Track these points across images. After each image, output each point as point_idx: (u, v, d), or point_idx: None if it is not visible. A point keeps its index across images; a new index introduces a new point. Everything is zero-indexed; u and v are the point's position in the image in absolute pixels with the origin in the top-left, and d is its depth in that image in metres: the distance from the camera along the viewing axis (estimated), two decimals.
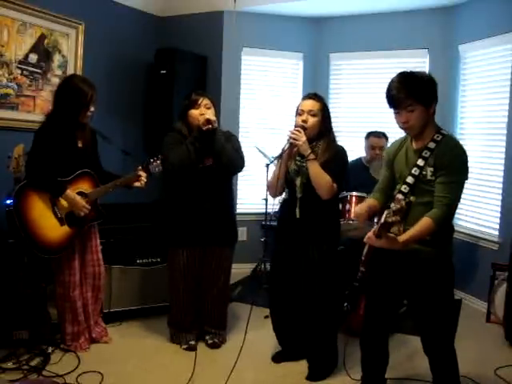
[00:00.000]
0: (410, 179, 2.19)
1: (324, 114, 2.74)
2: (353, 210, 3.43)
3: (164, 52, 4.48)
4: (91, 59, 4.16)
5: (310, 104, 2.73)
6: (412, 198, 2.06)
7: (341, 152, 2.78)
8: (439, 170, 2.13)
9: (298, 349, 2.97)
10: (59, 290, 2.95)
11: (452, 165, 2.12)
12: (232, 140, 3.08)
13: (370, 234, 2.13)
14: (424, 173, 2.17)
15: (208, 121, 2.88)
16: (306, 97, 2.80)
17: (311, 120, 2.70)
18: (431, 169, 2.15)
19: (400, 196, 2.21)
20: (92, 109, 2.88)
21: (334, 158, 2.70)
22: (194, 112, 2.97)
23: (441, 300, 2.24)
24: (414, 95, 2.12)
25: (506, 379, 2.78)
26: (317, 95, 2.80)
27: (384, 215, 1.96)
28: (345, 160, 2.81)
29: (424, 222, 2.09)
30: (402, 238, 2.07)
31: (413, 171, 2.18)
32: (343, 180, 2.75)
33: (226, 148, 2.95)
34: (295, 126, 2.72)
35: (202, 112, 2.95)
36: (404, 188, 2.20)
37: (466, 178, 2.18)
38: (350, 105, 4.90)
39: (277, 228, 3.00)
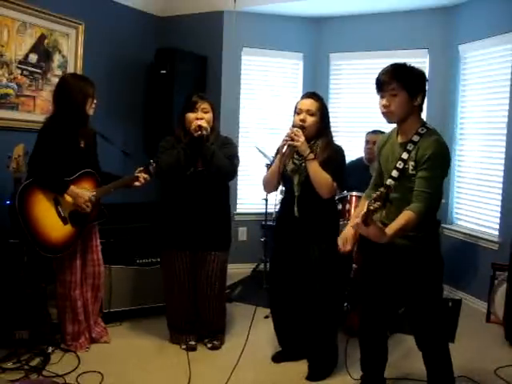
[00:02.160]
0: (394, 173, 2.19)
1: (322, 114, 2.74)
2: (352, 211, 3.43)
3: (164, 52, 4.48)
4: (91, 59, 4.16)
5: (309, 103, 2.72)
6: (390, 182, 2.04)
7: (339, 151, 2.78)
8: (420, 164, 2.13)
9: (298, 349, 2.97)
10: (60, 290, 2.95)
11: (434, 159, 2.11)
12: (227, 147, 3.06)
13: (357, 220, 2.08)
14: (406, 166, 2.17)
15: (199, 127, 2.86)
16: (305, 96, 2.79)
17: (309, 119, 2.70)
18: (413, 163, 2.16)
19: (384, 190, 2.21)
20: (95, 101, 2.90)
21: (334, 156, 2.71)
22: (191, 115, 2.95)
23: (429, 294, 2.25)
24: (398, 78, 2.15)
25: (506, 379, 2.78)
26: (315, 94, 2.80)
27: (366, 203, 1.96)
28: (343, 159, 2.81)
29: (406, 216, 2.07)
30: (388, 231, 2.04)
31: (397, 164, 2.18)
32: (343, 179, 2.75)
33: (216, 156, 2.92)
34: (293, 126, 2.72)
35: (199, 116, 2.93)
36: (389, 182, 2.20)
37: (446, 175, 2.18)
38: (349, 105, 4.90)
39: (275, 227, 3.00)
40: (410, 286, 2.25)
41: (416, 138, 2.17)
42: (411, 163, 2.16)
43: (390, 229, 2.05)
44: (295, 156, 2.73)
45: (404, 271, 2.24)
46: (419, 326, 2.30)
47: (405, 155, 2.17)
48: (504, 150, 3.85)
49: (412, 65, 2.24)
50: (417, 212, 2.07)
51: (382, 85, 2.20)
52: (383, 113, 2.25)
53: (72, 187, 2.83)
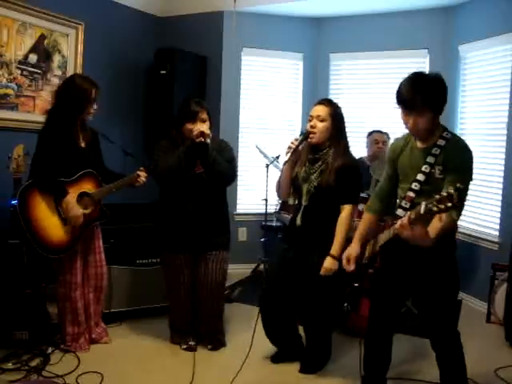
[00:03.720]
0: (420, 176, 2.17)
1: (334, 119, 2.71)
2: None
3: (164, 52, 4.48)
4: (91, 59, 4.16)
5: (319, 109, 2.72)
6: (458, 185, 1.88)
7: (355, 165, 2.75)
8: (450, 170, 2.12)
9: (295, 349, 2.97)
10: (60, 290, 2.95)
11: (464, 165, 2.12)
12: (225, 151, 3.05)
13: (403, 222, 1.99)
14: (433, 171, 2.15)
15: (202, 133, 2.84)
16: (317, 102, 2.79)
17: (319, 125, 2.68)
18: (440, 167, 2.14)
19: (411, 194, 2.20)
20: (95, 106, 2.90)
21: (347, 169, 2.66)
22: (190, 126, 2.91)
23: (446, 296, 2.25)
24: (427, 103, 2.09)
25: (506, 380, 2.78)
26: (327, 100, 2.81)
27: (423, 206, 1.87)
28: (359, 174, 2.77)
29: (447, 221, 2.04)
30: (431, 234, 2.00)
31: (423, 168, 2.16)
32: (358, 194, 2.79)
33: (218, 161, 2.91)
34: (301, 133, 2.74)
35: (198, 127, 2.90)
36: (415, 185, 2.18)
37: (472, 179, 2.18)
38: (350, 105, 4.88)
39: (284, 233, 3.01)
40: (430, 290, 2.25)
41: (441, 142, 2.15)
42: (438, 167, 2.14)
43: (433, 232, 2.01)
44: (306, 164, 2.74)
45: (424, 276, 2.23)
46: (436, 328, 2.29)
47: (431, 159, 2.15)
48: (504, 150, 3.85)
49: (432, 73, 2.17)
50: (455, 215, 2.07)
51: (408, 106, 2.12)
52: (409, 130, 2.22)
53: (69, 198, 2.82)
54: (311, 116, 2.73)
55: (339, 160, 2.66)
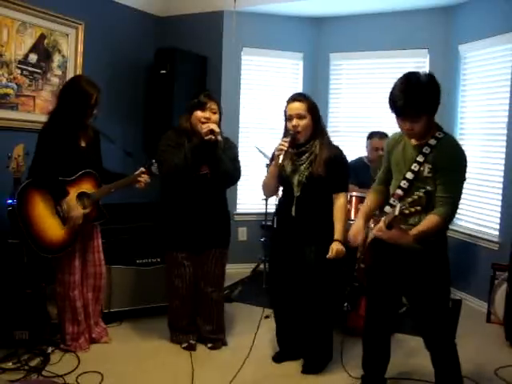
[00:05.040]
0: (409, 175, 2.19)
1: (313, 113, 2.71)
2: (353, 211, 3.45)
3: (164, 52, 4.48)
4: (91, 59, 4.16)
5: (297, 106, 2.70)
6: (429, 188, 1.96)
7: (340, 152, 2.79)
8: (439, 169, 2.12)
9: (297, 348, 2.97)
10: (59, 290, 2.95)
11: (454, 164, 2.13)
12: (230, 149, 3.05)
13: (380, 226, 2.06)
14: (422, 169, 2.16)
15: (211, 131, 2.82)
16: (291, 99, 2.75)
17: (301, 123, 2.67)
18: (429, 166, 2.15)
19: (400, 192, 2.21)
20: (95, 111, 2.90)
21: (335, 157, 2.72)
22: (199, 113, 2.91)
23: (438, 295, 2.26)
24: (421, 109, 2.08)
25: (507, 379, 2.78)
26: (301, 95, 2.80)
27: (398, 207, 1.93)
28: (346, 160, 2.86)
29: (432, 219, 2.07)
30: (412, 232, 2.05)
31: (412, 167, 2.18)
32: (348, 181, 2.85)
33: (223, 160, 2.91)
34: (285, 133, 2.72)
35: (207, 115, 2.90)
36: (403, 183, 2.19)
37: (465, 179, 2.18)
38: (350, 105, 4.90)
39: (273, 228, 3.00)
40: (420, 288, 2.25)
41: (433, 142, 2.16)
42: (427, 166, 2.14)
43: (415, 229, 2.05)
44: (294, 157, 2.74)
45: (414, 274, 2.24)
46: (428, 327, 2.30)
47: (420, 158, 2.16)
48: (504, 150, 3.85)
49: (424, 75, 2.15)
50: (441, 215, 2.07)
51: (402, 113, 2.12)
52: (406, 134, 2.23)
53: (69, 198, 2.83)
54: (290, 115, 2.70)
55: (326, 151, 2.69)
